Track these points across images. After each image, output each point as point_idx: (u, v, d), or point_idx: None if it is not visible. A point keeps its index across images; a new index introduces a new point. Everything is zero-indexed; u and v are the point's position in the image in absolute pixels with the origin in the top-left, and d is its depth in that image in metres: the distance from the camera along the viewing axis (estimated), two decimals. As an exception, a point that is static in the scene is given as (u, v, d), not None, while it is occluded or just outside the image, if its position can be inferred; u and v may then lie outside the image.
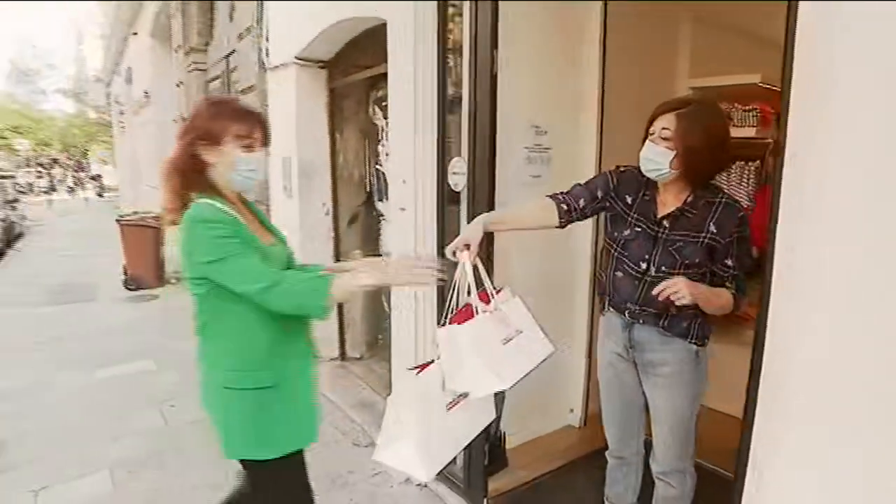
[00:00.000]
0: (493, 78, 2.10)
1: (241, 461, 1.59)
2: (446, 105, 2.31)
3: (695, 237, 1.67)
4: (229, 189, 1.54)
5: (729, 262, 1.68)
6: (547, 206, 1.83)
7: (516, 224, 1.96)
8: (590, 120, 2.87)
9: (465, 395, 1.44)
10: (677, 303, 1.57)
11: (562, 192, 1.85)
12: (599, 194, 1.83)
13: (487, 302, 1.54)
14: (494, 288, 1.60)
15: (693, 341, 1.77)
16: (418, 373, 1.41)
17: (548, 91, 2.72)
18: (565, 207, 1.82)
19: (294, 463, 1.62)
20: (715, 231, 1.65)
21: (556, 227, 1.85)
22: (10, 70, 36.11)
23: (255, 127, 1.52)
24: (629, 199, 1.80)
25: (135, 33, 11.58)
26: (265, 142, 1.56)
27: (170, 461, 2.91)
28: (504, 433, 2.72)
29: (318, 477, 2.49)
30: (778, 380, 1.21)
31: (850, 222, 1.05)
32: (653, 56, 3.09)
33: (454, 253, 1.60)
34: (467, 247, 1.60)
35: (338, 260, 4.34)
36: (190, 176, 1.49)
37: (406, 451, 1.34)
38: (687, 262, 1.67)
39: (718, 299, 1.68)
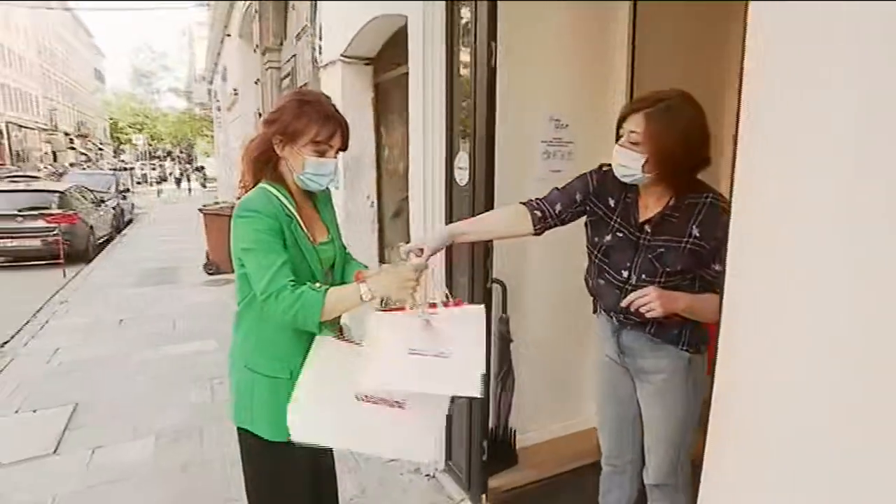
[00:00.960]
0: (491, 71, 2.07)
1: (240, 430, 1.66)
2: (455, 98, 2.32)
3: (677, 242, 1.56)
4: (294, 184, 1.59)
5: (717, 267, 1.55)
6: (519, 213, 1.73)
7: (486, 234, 1.87)
8: (618, 112, 2.75)
9: (390, 403, 1.42)
10: (647, 315, 1.50)
11: (537, 198, 1.76)
12: (578, 198, 1.73)
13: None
14: (450, 297, 1.51)
15: (685, 349, 1.66)
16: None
17: (570, 82, 2.64)
18: (539, 214, 1.72)
19: (290, 452, 1.62)
20: (698, 235, 1.53)
21: (532, 235, 1.75)
22: (132, 73, 40.06)
23: (335, 133, 1.52)
24: (611, 202, 1.70)
25: (228, 35, 12.40)
26: (342, 148, 1.58)
27: (209, 433, 3.16)
28: (514, 430, 2.70)
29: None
30: (727, 386, 1.14)
31: (803, 228, 0.95)
32: (696, 50, 2.89)
33: (407, 253, 1.56)
34: (422, 250, 1.55)
35: (381, 251, 4.47)
36: (262, 163, 1.56)
37: (290, 413, 1.38)
38: (668, 269, 1.56)
39: (706, 306, 1.54)
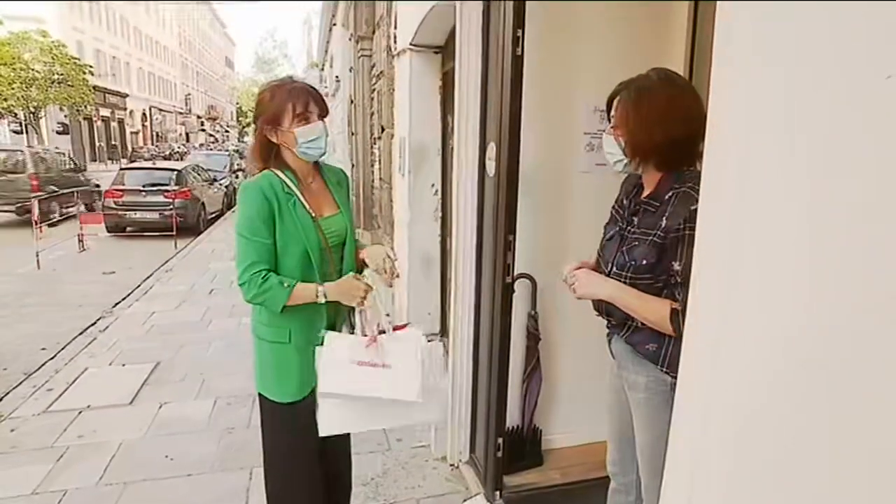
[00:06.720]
0: (517, 59, 2.01)
1: (259, 395, 1.84)
2: (489, 88, 2.27)
3: (646, 235, 1.43)
4: (301, 162, 1.73)
5: (676, 266, 1.37)
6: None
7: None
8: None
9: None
10: (574, 294, 1.50)
11: None
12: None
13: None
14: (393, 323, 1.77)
15: (665, 370, 1.47)
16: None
17: (619, 74, 2.49)
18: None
19: (295, 413, 1.79)
20: (663, 226, 1.38)
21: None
22: (255, 60, 43.21)
23: (308, 101, 1.65)
24: (624, 200, 1.61)
25: (335, 24, 12.94)
26: (323, 114, 1.70)
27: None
28: (541, 430, 2.64)
29: (365, 440, 2.72)
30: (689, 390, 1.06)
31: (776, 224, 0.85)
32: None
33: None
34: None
35: (444, 238, 4.50)
36: (264, 154, 1.72)
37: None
38: (634, 263, 1.43)
39: (641, 306, 1.40)
